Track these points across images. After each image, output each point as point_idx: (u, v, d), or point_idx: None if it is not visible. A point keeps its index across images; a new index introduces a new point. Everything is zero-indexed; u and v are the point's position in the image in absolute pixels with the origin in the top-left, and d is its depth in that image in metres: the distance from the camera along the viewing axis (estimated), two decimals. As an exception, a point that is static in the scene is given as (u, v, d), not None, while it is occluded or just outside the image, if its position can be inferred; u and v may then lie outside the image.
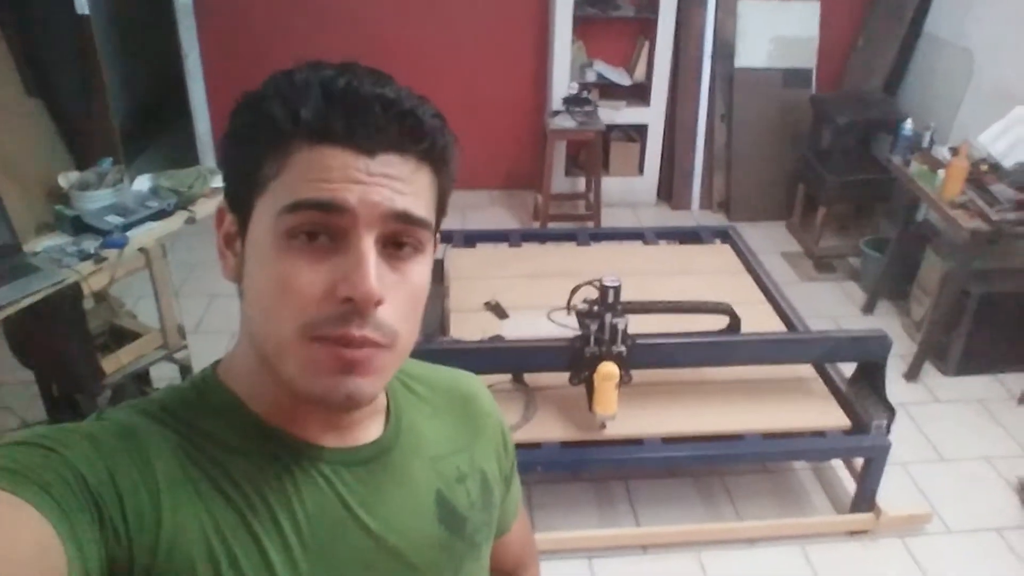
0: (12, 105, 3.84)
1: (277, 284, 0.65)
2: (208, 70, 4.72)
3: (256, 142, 0.67)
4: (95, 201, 2.79)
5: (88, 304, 2.76)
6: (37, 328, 2.53)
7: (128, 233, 2.69)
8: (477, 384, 0.96)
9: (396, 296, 0.67)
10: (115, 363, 2.72)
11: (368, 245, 0.65)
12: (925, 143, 3.77)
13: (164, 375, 2.99)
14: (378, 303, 0.65)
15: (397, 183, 0.66)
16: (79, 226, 2.67)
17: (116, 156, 3.86)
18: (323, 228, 0.65)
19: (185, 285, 3.82)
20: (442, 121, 0.70)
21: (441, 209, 0.74)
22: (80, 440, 0.63)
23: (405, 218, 0.66)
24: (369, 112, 0.65)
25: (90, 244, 2.58)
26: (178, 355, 2.95)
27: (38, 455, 0.60)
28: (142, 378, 2.89)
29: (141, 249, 2.73)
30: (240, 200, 0.69)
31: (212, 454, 0.69)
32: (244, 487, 0.69)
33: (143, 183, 3.01)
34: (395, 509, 0.77)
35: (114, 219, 2.70)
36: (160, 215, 2.82)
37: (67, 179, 2.94)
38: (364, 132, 0.65)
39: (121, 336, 2.90)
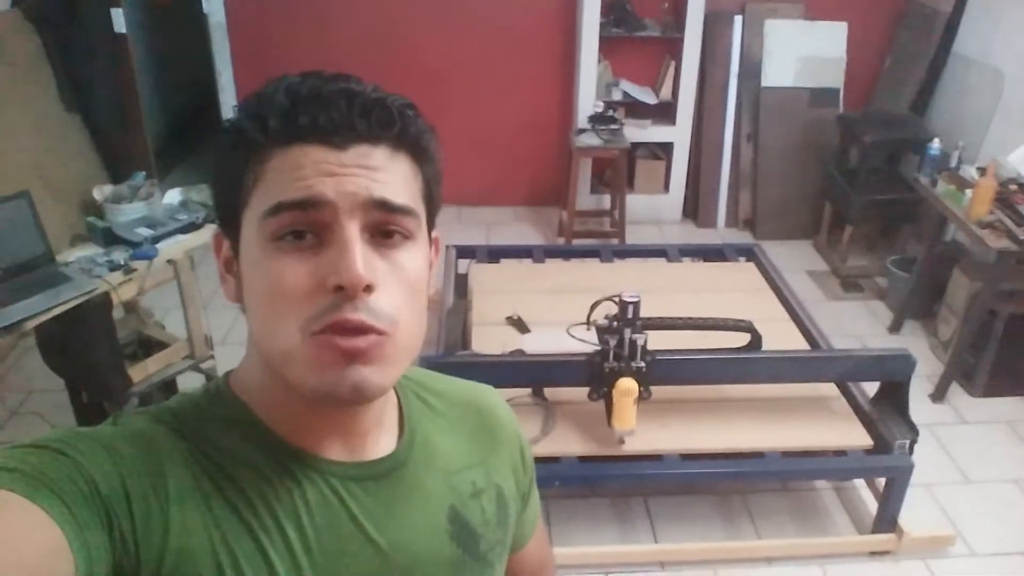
0: (51, 120, 3.95)
1: (270, 286, 0.66)
2: (240, 87, 4.81)
3: (234, 159, 0.68)
4: (127, 214, 2.86)
5: (118, 314, 2.83)
6: (68, 336, 2.59)
7: (158, 245, 2.76)
8: (495, 397, 0.94)
9: (389, 283, 0.67)
10: (143, 372, 2.78)
11: (352, 233, 0.65)
12: (953, 163, 3.74)
13: (191, 385, 3.04)
14: (368, 288, 0.65)
15: (373, 172, 0.66)
16: (110, 238, 2.74)
17: (149, 170, 3.96)
18: (307, 226, 0.65)
19: (214, 297, 3.88)
20: (414, 110, 0.70)
21: (430, 200, 0.73)
22: (94, 446, 0.63)
23: (385, 206, 0.66)
24: (334, 106, 0.65)
25: (120, 255, 2.65)
26: (204, 365, 3.01)
27: (52, 459, 0.60)
28: (169, 387, 2.94)
29: (170, 261, 2.79)
30: (230, 219, 0.70)
31: (223, 465, 0.69)
32: (253, 499, 0.68)
33: (174, 197, 3.08)
34: (406, 526, 0.76)
35: (144, 231, 2.77)
36: (189, 228, 2.88)
37: (101, 192, 3.02)
38: (331, 126, 0.65)
39: (149, 346, 2.96)
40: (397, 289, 0.68)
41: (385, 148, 0.68)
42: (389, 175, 0.67)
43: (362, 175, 0.65)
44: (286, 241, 0.65)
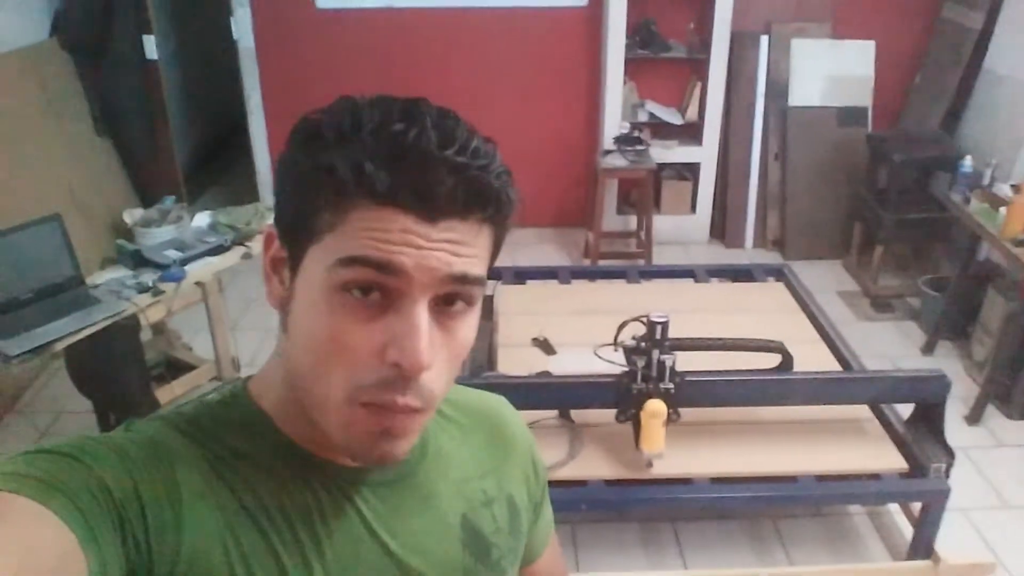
0: (83, 144, 4.02)
1: (328, 339, 0.64)
2: (269, 111, 4.86)
3: (314, 190, 0.63)
4: (156, 237, 2.89)
5: (146, 336, 2.85)
6: (96, 358, 2.61)
7: (186, 267, 2.78)
8: (507, 407, 0.95)
9: (441, 356, 0.66)
10: (169, 393, 2.80)
11: (422, 310, 0.63)
12: (985, 180, 3.69)
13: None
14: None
15: (457, 247, 0.64)
16: (139, 260, 2.77)
17: (179, 194, 4.00)
18: (377, 285, 0.63)
19: (242, 319, 3.90)
20: (509, 177, 0.67)
21: (495, 255, 0.72)
22: (107, 452, 0.63)
23: (462, 280, 0.65)
24: (436, 180, 0.62)
25: (149, 277, 2.67)
26: (231, 387, 3.02)
27: (66, 465, 0.60)
28: (196, 409, 2.96)
29: (198, 283, 2.81)
30: (292, 237, 0.67)
31: (236, 469, 0.69)
32: (266, 504, 0.69)
33: (203, 219, 3.11)
34: (418, 531, 0.77)
35: (173, 254, 2.80)
36: (218, 250, 2.91)
37: (132, 216, 3.06)
38: (430, 198, 0.62)
39: (177, 367, 2.99)
40: (446, 360, 0.68)
41: (474, 223, 0.65)
42: (470, 248, 0.65)
43: (446, 250, 0.63)
44: (352, 295, 0.63)
